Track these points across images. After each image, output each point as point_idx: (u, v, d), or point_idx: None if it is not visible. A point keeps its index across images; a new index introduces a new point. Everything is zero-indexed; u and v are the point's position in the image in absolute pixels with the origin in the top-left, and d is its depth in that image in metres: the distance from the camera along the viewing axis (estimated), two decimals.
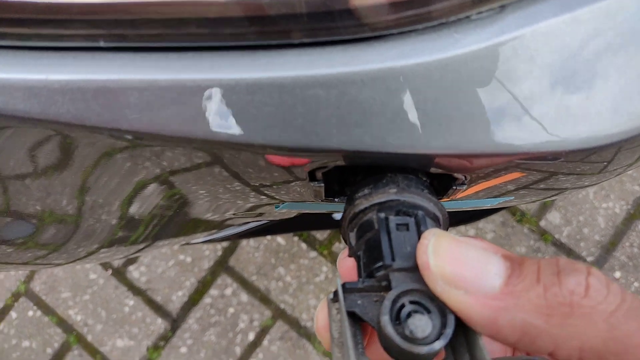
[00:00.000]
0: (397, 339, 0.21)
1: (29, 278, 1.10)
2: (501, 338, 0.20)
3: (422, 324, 0.21)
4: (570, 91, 0.26)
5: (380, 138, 0.25)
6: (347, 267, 0.32)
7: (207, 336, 1.08)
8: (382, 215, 0.26)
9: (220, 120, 0.24)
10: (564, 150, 0.27)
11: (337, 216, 1.02)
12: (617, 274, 1.08)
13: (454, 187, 0.31)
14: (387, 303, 0.22)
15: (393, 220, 0.26)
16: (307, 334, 1.08)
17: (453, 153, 0.25)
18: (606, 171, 0.38)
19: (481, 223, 1.11)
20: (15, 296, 1.09)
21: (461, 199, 0.38)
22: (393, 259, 0.24)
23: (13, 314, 1.08)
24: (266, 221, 0.98)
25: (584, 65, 0.24)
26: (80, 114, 0.23)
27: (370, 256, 0.26)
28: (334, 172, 0.32)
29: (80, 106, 0.23)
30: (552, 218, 1.10)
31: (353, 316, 0.24)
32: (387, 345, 0.22)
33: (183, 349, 1.07)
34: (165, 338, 1.07)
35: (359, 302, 0.24)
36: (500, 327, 0.20)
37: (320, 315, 0.27)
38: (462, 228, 1.09)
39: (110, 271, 1.09)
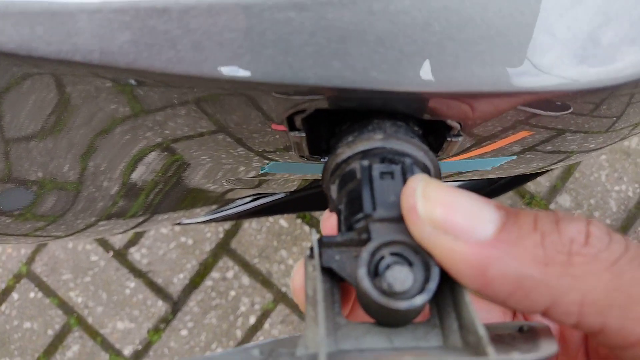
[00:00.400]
0: (374, 294, 0.19)
1: (30, 259, 1.09)
2: (491, 292, 0.18)
3: (401, 276, 0.19)
4: (584, 28, 0.23)
5: (363, 72, 0.22)
6: (330, 226, 0.29)
7: (207, 319, 1.06)
8: (366, 163, 0.24)
9: (177, 50, 0.21)
10: (575, 90, 0.24)
11: None
12: None
13: (449, 139, 0.28)
14: (364, 255, 0.20)
15: (377, 168, 0.23)
16: None
17: (444, 91, 0.23)
18: (613, 130, 0.34)
19: None
20: (17, 277, 1.08)
21: (460, 160, 0.35)
22: (374, 209, 0.22)
23: (15, 295, 1.08)
24: (269, 200, 0.96)
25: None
26: (25, 43, 0.21)
27: (351, 208, 0.23)
28: (320, 125, 0.29)
29: (25, 32, 0.21)
30: (563, 201, 1.07)
31: (330, 273, 0.22)
32: (365, 302, 0.20)
33: (184, 332, 1.06)
34: (165, 320, 1.06)
35: (337, 257, 0.22)
36: (490, 278, 0.17)
37: (297, 275, 0.24)
38: None
39: (111, 253, 1.08)
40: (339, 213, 0.25)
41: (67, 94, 0.26)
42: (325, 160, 0.33)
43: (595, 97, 0.26)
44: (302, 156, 0.31)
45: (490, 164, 0.36)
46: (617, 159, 1.04)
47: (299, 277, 0.24)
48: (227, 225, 1.08)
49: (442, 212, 0.19)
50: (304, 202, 1.01)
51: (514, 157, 0.35)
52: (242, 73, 0.21)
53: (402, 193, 0.21)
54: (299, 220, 1.08)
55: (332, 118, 0.28)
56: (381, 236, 0.21)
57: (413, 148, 0.25)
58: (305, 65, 0.21)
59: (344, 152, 0.25)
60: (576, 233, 0.18)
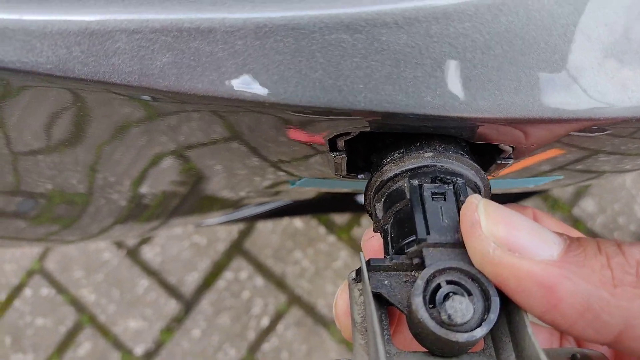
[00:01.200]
0: (432, 325, 0.18)
1: (43, 256, 1.09)
2: (559, 314, 0.17)
3: (462, 308, 0.18)
4: (627, 59, 0.21)
5: (417, 97, 0.20)
6: (372, 248, 0.28)
7: (220, 319, 1.05)
8: (415, 182, 0.23)
9: (220, 72, 0.20)
10: (618, 117, 0.22)
11: (361, 199, 0.98)
12: None
13: (498, 162, 0.26)
14: (420, 282, 0.19)
15: (428, 188, 0.22)
16: (323, 321, 1.05)
17: (504, 117, 0.21)
18: None
19: None
20: (30, 274, 1.08)
21: (507, 177, 0.33)
22: (428, 232, 0.21)
23: (28, 291, 1.08)
24: (284, 203, 0.95)
25: None
26: (62, 63, 0.20)
27: (400, 230, 0.22)
28: (358, 142, 0.28)
29: (62, 53, 0.20)
30: (586, 205, 1.05)
31: (379, 298, 0.21)
32: (419, 331, 0.19)
33: (196, 332, 1.05)
34: (178, 320, 1.06)
35: (386, 282, 0.20)
36: (559, 298, 0.17)
37: (340, 299, 0.23)
38: None
39: (124, 251, 1.08)
40: (385, 234, 0.24)
41: (86, 106, 0.25)
42: (362, 177, 0.31)
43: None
44: (338, 174, 0.30)
45: (533, 182, 0.35)
46: None
47: (342, 301, 0.24)
48: (241, 225, 1.07)
49: (506, 230, 0.18)
50: (321, 204, 1.00)
51: (561, 177, 0.34)
52: (289, 98, 0.20)
53: (463, 210, 0.20)
54: (314, 222, 1.07)
55: (372, 138, 0.27)
56: (436, 263, 0.20)
57: (464, 167, 0.24)
58: (356, 89, 0.20)
59: (391, 169, 0.24)
60: None
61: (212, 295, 1.05)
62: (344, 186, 0.38)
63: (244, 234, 1.07)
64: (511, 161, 0.26)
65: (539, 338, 0.26)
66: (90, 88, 0.21)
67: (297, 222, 1.08)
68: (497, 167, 0.27)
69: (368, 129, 0.23)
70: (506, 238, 0.18)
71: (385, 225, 0.24)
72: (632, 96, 0.21)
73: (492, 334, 0.20)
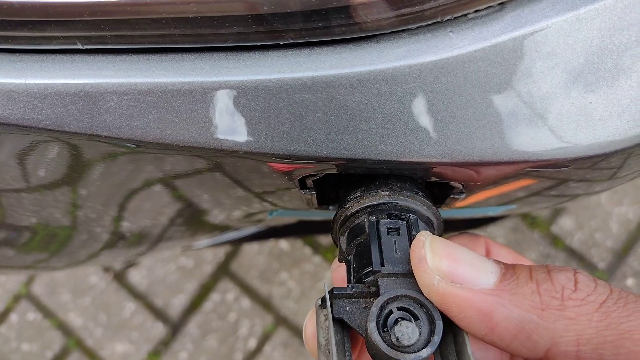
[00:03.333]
0: (384, 347, 0.21)
1: (30, 280, 1.09)
2: (496, 336, 0.20)
3: (408, 331, 0.21)
4: (572, 96, 0.25)
5: (371, 145, 0.23)
6: (340, 276, 0.31)
7: (207, 341, 1.06)
8: (373, 218, 0.26)
9: (200, 127, 0.23)
10: (566, 158, 0.25)
11: None
12: (630, 282, 1.06)
13: (452, 196, 0.29)
14: (374, 310, 0.22)
15: (384, 223, 0.25)
16: None
17: (448, 161, 0.24)
18: (617, 177, 0.36)
19: (490, 228, 1.09)
20: (16, 298, 1.09)
21: (463, 207, 0.36)
22: (382, 264, 0.23)
23: (14, 316, 1.08)
24: (267, 226, 0.97)
25: (588, 67, 0.23)
26: (59, 120, 0.23)
27: (360, 261, 0.25)
28: (327, 179, 0.31)
29: (59, 111, 0.22)
30: (564, 223, 1.08)
31: (341, 323, 0.23)
32: (374, 353, 0.22)
33: (183, 355, 1.06)
34: (165, 343, 1.07)
35: (347, 308, 0.23)
36: (495, 323, 0.20)
37: (309, 324, 0.26)
38: None
39: (111, 275, 1.09)
40: (348, 264, 0.27)
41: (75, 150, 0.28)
42: (332, 208, 0.34)
43: (588, 161, 0.27)
44: (310, 207, 0.33)
45: (493, 210, 0.38)
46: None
47: (310, 326, 0.26)
48: (228, 247, 1.09)
49: (448, 264, 0.21)
50: (305, 226, 1.03)
51: (513, 207, 0.37)
52: (260, 146, 0.23)
53: (412, 247, 0.22)
54: (299, 243, 1.09)
55: (338, 175, 0.30)
56: (389, 291, 0.22)
57: (418, 204, 0.27)
58: (319, 140, 0.23)
59: (353, 206, 0.27)
60: (566, 281, 0.20)
61: (198, 318, 1.06)
62: (318, 215, 0.40)
63: (230, 256, 1.09)
64: (463, 195, 0.29)
65: (490, 354, 0.28)
66: (81, 139, 0.24)
67: (283, 244, 1.10)
68: (452, 201, 0.30)
69: (334, 171, 0.26)
70: (449, 271, 0.21)
71: (348, 256, 0.27)
72: (550, 143, 0.24)
73: (441, 352, 0.23)
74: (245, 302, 1.08)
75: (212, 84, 0.22)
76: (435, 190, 0.31)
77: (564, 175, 0.32)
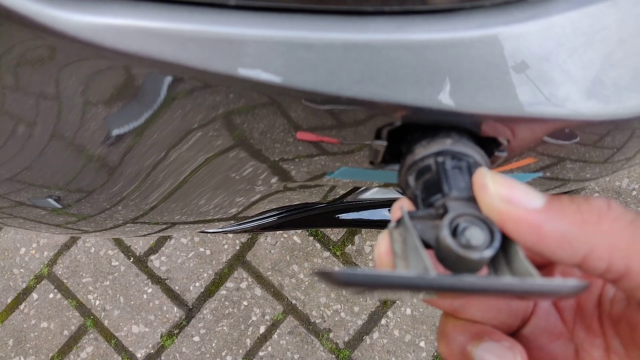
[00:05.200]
0: (455, 247, 0.26)
1: (53, 262, 1.13)
2: (544, 245, 0.25)
3: (476, 234, 0.26)
4: (603, 71, 0.31)
5: (447, 97, 0.30)
6: (401, 208, 0.36)
7: (219, 327, 1.11)
8: (440, 159, 0.32)
9: (314, 74, 0.29)
10: (595, 120, 0.32)
11: (343, 216, 1.07)
12: None
13: (496, 154, 0.36)
14: (446, 221, 0.27)
15: (449, 163, 0.31)
16: (315, 330, 1.12)
17: (502, 115, 0.31)
18: (610, 161, 0.43)
19: None
20: (38, 278, 1.13)
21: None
22: (450, 190, 0.29)
23: (34, 295, 1.12)
24: (284, 215, 1.03)
25: (619, 46, 0.30)
26: (205, 60, 0.29)
27: (429, 192, 0.31)
28: (393, 137, 0.37)
29: (206, 53, 0.29)
30: None
31: None
32: (445, 256, 0.27)
33: (196, 338, 1.10)
34: (179, 326, 1.11)
35: (419, 227, 0.29)
36: (544, 233, 0.25)
37: (382, 242, 0.31)
38: None
39: (132, 259, 1.13)
40: (415, 197, 0.32)
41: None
42: (390, 168, 0.40)
43: (602, 128, 0.34)
44: (372, 162, 0.39)
45: (519, 179, 0.44)
46: (609, 198, 1.14)
47: (384, 243, 0.31)
48: (244, 238, 1.14)
49: (506, 189, 0.26)
50: (316, 219, 1.09)
51: (539, 174, 0.43)
52: (360, 94, 0.29)
53: (474, 177, 0.28)
54: (311, 238, 1.15)
55: (401, 132, 0.36)
56: (457, 209, 0.28)
57: (474, 151, 0.33)
58: (407, 90, 0.29)
59: (421, 152, 0.33)
60: (602, 203, 0.25)
61: (213, 304, 1.11)
62: (373, 177, 0.46)
63: (246, 247, 1.14)
64: (504, 154, 0.35)
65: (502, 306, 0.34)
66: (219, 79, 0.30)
67: (295, 237, 1.16)
68: (493, 160, 0.36)
69: (412, 121, 0.32)
70: (507, 194, 0.26)
71: (415, 191, 0.33)
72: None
73: (494, 264, 0.29)
74: (258, 291, 1.13)
75: (328, 39, 0.28)
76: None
77: (565, 153, 0.38)
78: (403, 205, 0.35)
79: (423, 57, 0.29)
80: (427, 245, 0.29)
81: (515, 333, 0.33)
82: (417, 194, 0.33)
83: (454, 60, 0.29)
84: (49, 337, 1.10)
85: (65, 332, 1.11)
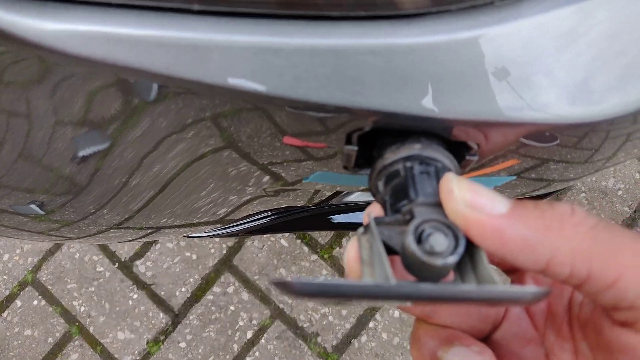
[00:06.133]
0: (419, 253, 0.26)
1: (37, 267, 1.12)
2: (506, 250, 0.25)
3: (440, 240, 0.26)
4: (571, 74, 0.31)
5: (415, 102, 0.30)
6: (374, 212, 0.36)
7: (206, 332, 1.10)
8: (408, 164, 0.31)
9: (280, 79, 0.29)
10: (563, 124, 0.32)
11: (335, 219, 1.07)
12: None
13: (467, 157, 0.36)
14: (411, 227, 0.27)
15: (417, 168, 0.31)
16: (303, 335, 1.11)
17: (469, 119, 0.31)
18: (591, 161, 0.43)
19: None
20: (22, 285, 1.12)
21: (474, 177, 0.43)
22: (417, 196, 0.29)
23: (18, 302, 1.11)
24: (271, 219, 1.03)
25: (584, 49, 0.30)
26: (170, 66, 0.28)
27: (397, 197, 0.31)
28: (364, 142, 0.37)
29: (171, 59, 0.28)
30: None
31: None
32: (410, 262, 0.27)
33: (182, 344, 1.10)
34: (165, 332, 1.10)
35: (386, 232, 0.29)
36: (507, 239, 0.25)
37: (350, 248, 0.31)
38: None
39: (117, 265, 1.12)
40: (384, 203, 0.32)
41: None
42: (362, 172, 0.40)
43: (578, 131, 0.34)
44: (345, 167, 0.39)
45: (493, 183, 0.44)
46: (596, 197, 1.15)
47: (353, 249, 0.31)
48: (231, 242, 1.13)
49: (471, 194, 0.26)
50: (303, 222, 1.09)
51: (514, 178, 0.43)
52: (327, 99, 0.29)
53: (441, 182, 0.28)
54: (298, 241, 1.14)
55: (375, 137, 0.36)
56: (423, 215, 0.28)
57: (443, 156, 0.33)
58: (374, 95, 0.29)
59: (390, 157, 0.33)
60: (565, 209, 0.25)
61: (199, 309, 1.10)
62: (348, 181, 0.46)
63: (232, 251, 1.14)
64: (476, 158, 0.35)
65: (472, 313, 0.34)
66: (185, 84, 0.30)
67: (283, 241, 1.15)
68: (465, 164, 0.36)
69: (379, 126, 0.32)
70: (471, 200, 0.26)
71: (385, 196, 0.33)
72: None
73: (459, 269, 0.29)
74: (245, 296, 1.12)
75: (294, 44, 0.28)
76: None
77: (548, 155, 0.39)
78: (370, 212, 0.35)
79: (390, 62, 0.29)
80: (394, 252, 0.29)
81: (486, 338, 0.33)
82: (386, 199, 0.33)
83: (421, 65, 0.29)
84: (33, 345, 1.09)
85: (50, 340, 1.09)
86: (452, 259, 0.26)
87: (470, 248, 0.28)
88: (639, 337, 0.24)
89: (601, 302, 0.25)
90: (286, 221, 1.04)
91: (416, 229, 0.27)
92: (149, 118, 0.35)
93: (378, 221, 0.29)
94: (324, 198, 0.85)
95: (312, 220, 1.06)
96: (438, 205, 0.29)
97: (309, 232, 1.16)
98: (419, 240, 0.27)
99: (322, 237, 1.16)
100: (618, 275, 0.23)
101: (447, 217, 0.28)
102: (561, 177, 0.48)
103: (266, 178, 0.47)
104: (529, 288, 0.22)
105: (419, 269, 0.27)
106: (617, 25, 0.30)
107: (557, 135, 0.35)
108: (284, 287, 0.21)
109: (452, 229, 0.27)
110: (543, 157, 0.41)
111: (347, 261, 0.31)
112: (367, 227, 0.30)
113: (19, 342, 1.09)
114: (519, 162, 0.41)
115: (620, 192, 1.15)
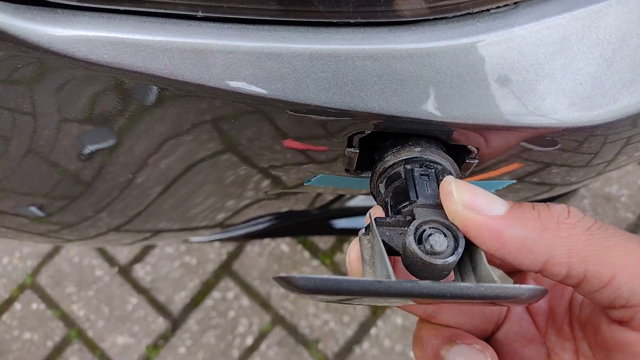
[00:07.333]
0: (420, 253, 0.26)
1: (36, 271, 1.13)
2: (505, 250, 0.26)
3: (440, 240, 0.27)
4: (565, 80, 0.32)
5: (413, 105, 0.30)
6: (376, 214, 0.37)
7: (206, 338, 1.10)
8: (409, 167, 0.32)
9: (282, 83, 0.29)
10: (561, 128, 0.32)
11: (337, 224, 1.07)
12: None
13: (467, 161, 0.36)
14: (412, 228, 0.28)
15: (417, 170, 0.32)
16: (304, 341, 1.11)
17: (466, 123, 0.31)
18: (591, 165, 0.43)
19: None
20: (21, 288, 1.12)
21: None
22: (417, 197, 0.30)
23: (17, 305, 1.11)
24: (270, 224, 1.03)
25: (578, 56, 0.30)
26: (175, 70, 0.29)
27: (397, 199, 0.32)
28: (366, 145, 0.38)
29: (175, 63, 0.29)
30: None
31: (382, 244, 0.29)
32: (410, 262, 0.27)
33: (182, 350, 1.10)
34: (165, 337, 1.10)
35: (387, 233, 0.29)
36: (505, 240, 0.25)
37: (352, 249, 0.32)
38: None
39: (116, 269, 1.13)
40: (385, 204, 0.33)
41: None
42: (364, 175, 0.41)
43: (578, 135, 0.35)
44: (347, 170, 0.40)
45: (494, 186, 0.45)
46: (599, 203, 1.15)
47: (355, 249, 0.31)
48: (231, 247, 1.14)
49: (469, 196, 0.27)
50: (304, 226, 1.09)
51: (514, 182, 0.44)
52: (327, 102, 0.30)
53: (441, 185, 0.29)
54: (299, 246, 1.15)
55: (376, 140, 0.37)
56: (423, 216, 0.28)
57: (442, 159, 0.33)
58: (374, 99, 0.30)
59: (391, 159, 0.34)
60: (561, 210, 0.26)
61: (199, 314, 1.10)
62: (349, 184, 0.47)
63: (232, 256, 1.14)
64: (476, 161, 0.36)
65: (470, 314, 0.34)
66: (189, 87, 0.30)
67: (283, 246, 1.16)
68: (466, 166, 0.37)
69: (379, 129, 0.33)
70: (470, 201, 0.27)
71: (386, 198, 0.33)
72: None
73: (460, 269, 0.29)
74: (245, 301, 1.12)
75: (295, 49, 0.29)
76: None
77: (550, 159, 0.39)
78: (372, 212, 0.36)
79: (388, 67, 0.29)
80: (395, 252, 0.29)
81: (488, 337, 0.33)
82: (387, 201, 0.33)
83: (419, 70, 0.29)
84: (32, 349, 1.09)
85: (49, 343, 1.09)
86: (452, 259, 0.27)
87: (470, 249, 0.28)
88: (635, 334, 0.25)
89: (598, 301, 0.25)
90: (287, 225, 1.04)
91: (417, 229, 0.28)
92: (150, 122, 0.36)
93: (379, 222, 0.30)
94: (325, 202, 0.86)
95: (313, 224, 1.06)
96: (438, 206, 0.29)
97: (310, 237, 1.16)
98: (420, 240, 0.28)
99: (323, 242, 1.17)
100: (613, 274, 0.24)
101: (447, 218, 0.28)
102: (563, 181, 0.48)
103: (267, 181, 0.47)
104: (526, 287, 0.23)
105: (419, 269, 0.28)
106: (612, 33, 0.31)
107: (557, 140, 0.36)
108: (287, 282, 0.22)
109: (451, 230, 0.28)
110: (544, 161, 0.41)
111: (349, 261, 0.32)
112: (368, 228, 0.31)
113: (19, 345, 1.09)
114: (522, 166, 0.42)
115: (623, 199, 1.16)
